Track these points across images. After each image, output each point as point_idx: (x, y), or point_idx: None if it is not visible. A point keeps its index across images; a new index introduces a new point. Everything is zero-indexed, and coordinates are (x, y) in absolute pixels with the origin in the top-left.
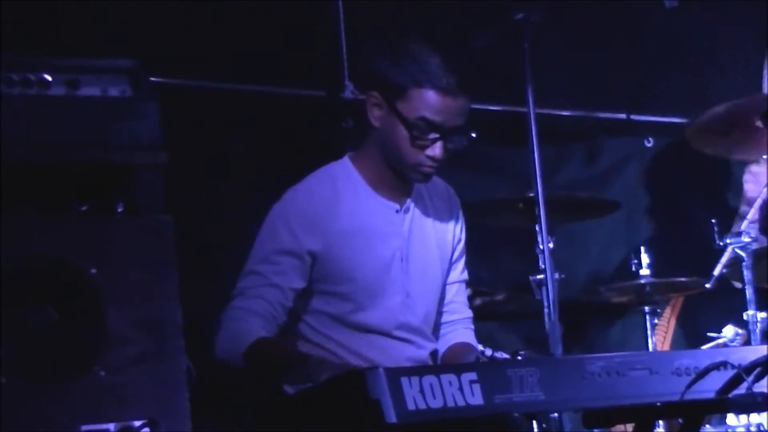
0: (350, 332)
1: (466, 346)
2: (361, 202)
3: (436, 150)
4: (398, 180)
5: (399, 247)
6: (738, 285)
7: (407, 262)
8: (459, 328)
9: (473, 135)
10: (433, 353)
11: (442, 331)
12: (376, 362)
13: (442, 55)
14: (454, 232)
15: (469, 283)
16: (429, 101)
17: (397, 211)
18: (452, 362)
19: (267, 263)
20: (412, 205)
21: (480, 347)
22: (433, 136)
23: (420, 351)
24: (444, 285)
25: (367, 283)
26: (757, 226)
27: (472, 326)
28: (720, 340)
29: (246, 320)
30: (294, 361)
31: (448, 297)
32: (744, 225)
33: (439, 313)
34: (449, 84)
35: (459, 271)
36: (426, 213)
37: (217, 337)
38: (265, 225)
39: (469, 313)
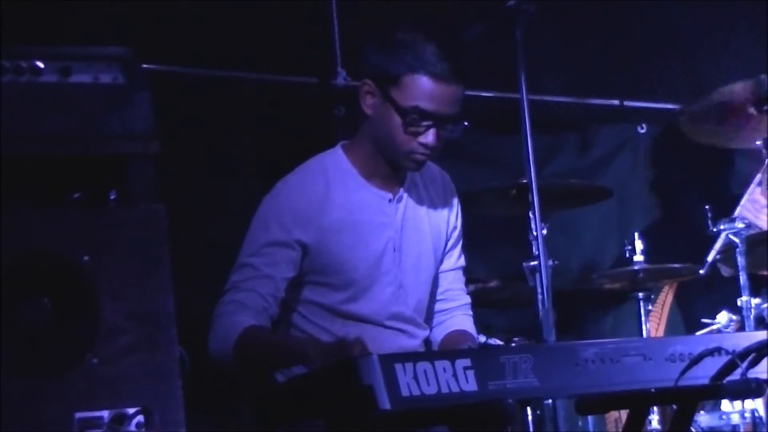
0: (342, 322)
1: (464, 334)
2: (353, 193)
3: (429, 137)
4: (391, 169)
5: (392, 238)
6: (725, 272)
7: (400, 252)
8: (457, 314)
9: (466, 124)
10: (426, 341)
11: (440, 318)
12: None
13: (436, 42)
14: (448, 219)
15: (463, 271)
16: (423, 88)
17: (390, 201)
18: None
19: (259, 256)
20: (405, 194)
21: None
22: (426, 123)
23: (412, 340)
24: (437, 273)
25: (359, 275)
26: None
27: (470, 312)
28: (714, 326)
29: (237, 313)
30: (284, 345)
31: (446, 284)
32: (738, 211)
33: (434, 301)
34: (443, 71)
35: (455, 259)
36: (420, 201)
37: (210, 334)
38: (256, 218)
39: (467, 300)
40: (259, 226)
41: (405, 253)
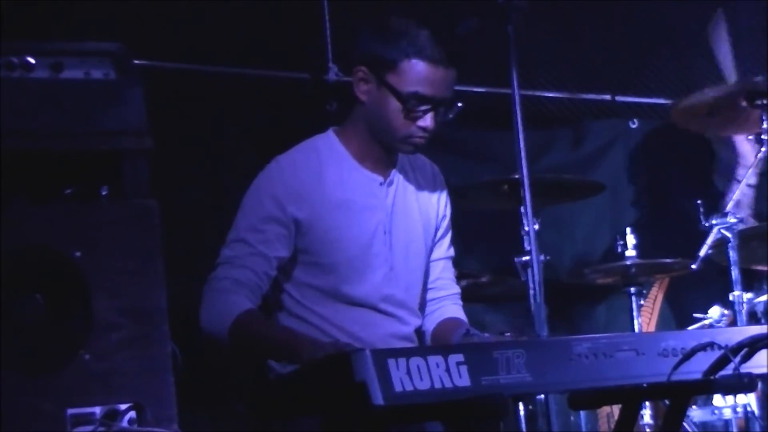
0: (335, 305)
1: (455, 321)
2: (345, 174)
3: (428, 121)
4: (383, 152)
5: (382, 221)
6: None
7: (390, 235)
8: (447, 303)
9: (460, 105)
10: (418, 331)
11: (431, 308)
12: (359, 336)
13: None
14: (437, 208)
15: (454, 265)
16: (421, 73)
17: (381, 184)
18: (443, 338)
19: (253, 232)
20: (396, 178)
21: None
22: (424, 107)
23: (405, 327)
24: (428, 260)
25: (350, 256)
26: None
27: (461, 302)
28: (706, 321)
29: (233, 291)
30: (283, 340)
31: (435, 274)
32: (729, 206)
33: (426, 290)
34: (439, 55)
35: (445, 248)
36: (410, 187)
37: (203, 309)
38: (249, 195)
39: (457, 289)
40: (253, 201)
41: (395, 236)
